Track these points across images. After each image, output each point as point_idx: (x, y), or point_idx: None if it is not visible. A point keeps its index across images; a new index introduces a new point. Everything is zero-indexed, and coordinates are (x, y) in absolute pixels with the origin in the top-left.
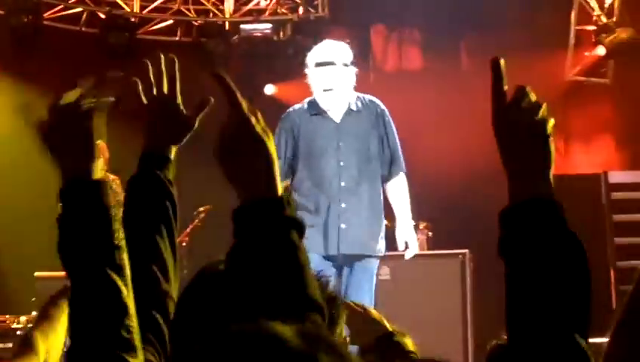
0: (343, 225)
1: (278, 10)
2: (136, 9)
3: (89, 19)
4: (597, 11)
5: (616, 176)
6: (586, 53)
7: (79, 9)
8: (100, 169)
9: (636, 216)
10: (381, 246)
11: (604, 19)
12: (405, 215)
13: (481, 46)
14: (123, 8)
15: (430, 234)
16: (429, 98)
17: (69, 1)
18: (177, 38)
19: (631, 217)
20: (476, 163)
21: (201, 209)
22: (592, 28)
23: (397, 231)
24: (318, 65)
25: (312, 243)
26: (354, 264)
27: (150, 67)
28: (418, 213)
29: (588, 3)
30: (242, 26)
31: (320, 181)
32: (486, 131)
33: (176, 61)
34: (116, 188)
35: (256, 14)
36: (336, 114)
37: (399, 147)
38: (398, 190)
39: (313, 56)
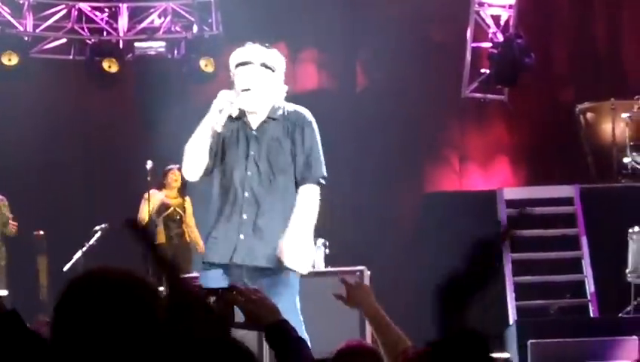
0: (241, 236)
1: (172, 29)
2: (29, 28)
3: None
4: (493, 28)
5: (512, 193)
6: (483, 70)
7: None
8: None
9: (531, 232)
10: (296, 261)
11: (499, 37)
12: (291, 225)
13: (375, 65)
14: (16, 27)
15: (327, 251)
16: (325, 117)
17: None
18: (71, 57)
19: (526, 233)
20: (370, 180)
21: (97, 228)
22: (488, 45)
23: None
24: (238, 65)
25: (212, 253)
26: (261, 280)
27: None
28: (315, 230)
29: (484, 20)
30: (136, 45)
31: (226, 190)
32: (380, 150)
33: None
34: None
35: (150, 33)
36: (254, 120)
37: (317, 157)
38: (298, 200)
39: (234, 57)
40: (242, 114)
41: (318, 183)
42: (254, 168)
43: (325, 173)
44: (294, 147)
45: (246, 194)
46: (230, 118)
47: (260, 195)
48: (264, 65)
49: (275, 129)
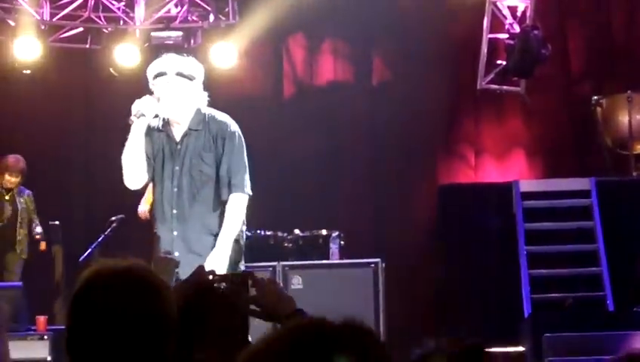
0: (176, 253)
1: (189, 18)
2: (46, 16)
3: None
4: (509, 19)
5: (527, 185)
6: (499, 62)
7: None
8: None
9: (547, 225)
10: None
11: (516, 28)
12: (219, 241)
13: (392, 57)
14: (33, 16)
15: (342, 243)
16: (342, 109)
17: None
18: (87, 46)
19: (542, 225)
20: (385, 172)
21: (113, 218)
22: (504, 36)
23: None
24: (155, 77)
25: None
26: None
27: None
28: (330, 222)
29: (500, 11)
30: (153, 34)
31: (157, 206)
32: (396, 143)
33: None
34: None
35: (167, 22)
36: (177, 131)
37: (238, 169)
38: (226, 211)
39: (150, 69)
40: (165, 125)
41: (244, 191)
42: (180, 184)
43: (247, 186)
44: (217, 155)
45: (174, 211)
46: (155, 130)
47: (187, 211)
48: (180, 74)
49: (197, 141)
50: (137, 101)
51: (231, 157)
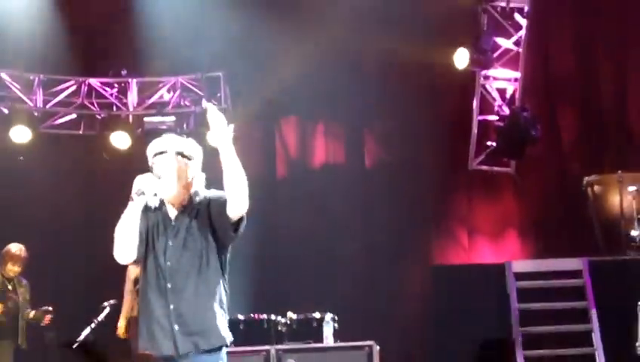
0: (176, 327)
1: (181, 103)
2: (39, 103)
3: None
4: (498, 101)
5: (520, 266)
6: (489, 143)
7: None
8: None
9: (540, 305)
10: (220, 337)
11: (505, 110)
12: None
13: (384, 139)
14: (26, 103)
15: (336, 326)
16: (335, 190)
17: None
18: (81, 132)
19: (535, 305)
20: (379, 253)
21: (105, 304)
22: (494, 118)
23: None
24: (155, 155)
25: (151, 344)
26: None
27: None
28: (323, 304)
29: (489, 93)
30: (146, 119)
31: (151, 280)
32: (389, 224)
33: None
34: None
35: (160, 107)
36: (173, 210)
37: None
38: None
39: (151, 147)
40: (162, 203)
41: None
42: (173, 259)
43: None
44: (205, 220)
45: (169, 285)
46: (151, 208)
47: (181, 284)
48: (180, 153)
49: (190, 216)
50: (139, 177)
51: (216, 195)
